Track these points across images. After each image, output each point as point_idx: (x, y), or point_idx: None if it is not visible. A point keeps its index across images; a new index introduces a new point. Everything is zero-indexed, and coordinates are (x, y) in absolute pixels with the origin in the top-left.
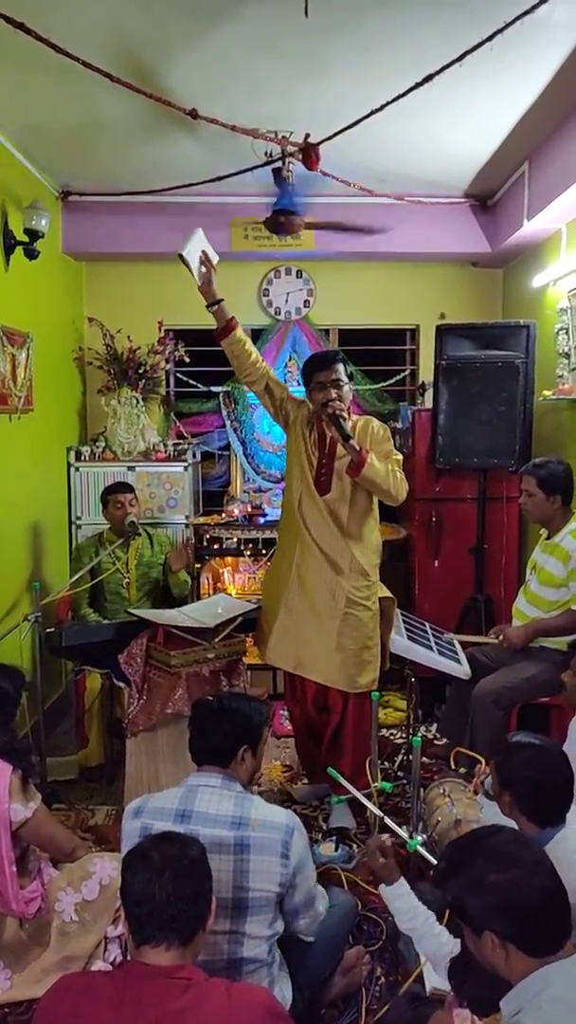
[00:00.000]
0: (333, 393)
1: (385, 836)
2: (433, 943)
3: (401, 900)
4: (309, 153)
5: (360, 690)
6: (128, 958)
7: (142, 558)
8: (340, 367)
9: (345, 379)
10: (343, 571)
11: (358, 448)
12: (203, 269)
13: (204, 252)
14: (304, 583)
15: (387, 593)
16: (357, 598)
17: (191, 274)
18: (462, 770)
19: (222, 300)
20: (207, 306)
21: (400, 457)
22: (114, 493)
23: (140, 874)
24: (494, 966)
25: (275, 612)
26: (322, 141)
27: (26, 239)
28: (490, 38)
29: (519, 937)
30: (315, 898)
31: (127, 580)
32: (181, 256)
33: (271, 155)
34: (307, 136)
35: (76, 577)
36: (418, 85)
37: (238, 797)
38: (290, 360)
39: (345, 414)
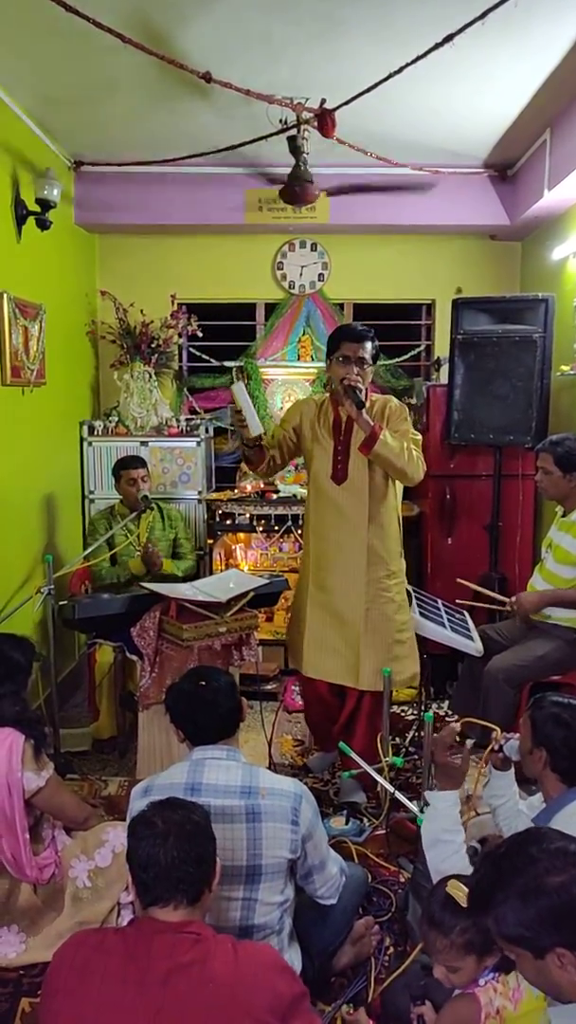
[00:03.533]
0: (355, 370)
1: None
2: (461, 860)
3: (455, 808)
4: (325, 119)
5: (401, 687)
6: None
7: (153, 531)
8: (370, 346)
9: (370, 361)
10: (361, 564)
11: (372, 423)
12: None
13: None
14: (323, 586)
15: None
16: (378, 590)
17: (243, 409)
18: (469, 741)
19: (262, 436)
20: (251, 445)
21: (419, 437)
22: (127, 468)
23: (145, 840)
24: (559, 989)
25: (304, 621)
26: (338, 106)
27: (38, 209)
28: None
29: None
30: (326, 861)
31: (139, 553)
32: (246, 387)
33: (286, 122)
34: (323, 102)
35: (93, 548)
36: (438, 46)
37: (245, 767)
38: (303, 335)
39: (361, 386)
